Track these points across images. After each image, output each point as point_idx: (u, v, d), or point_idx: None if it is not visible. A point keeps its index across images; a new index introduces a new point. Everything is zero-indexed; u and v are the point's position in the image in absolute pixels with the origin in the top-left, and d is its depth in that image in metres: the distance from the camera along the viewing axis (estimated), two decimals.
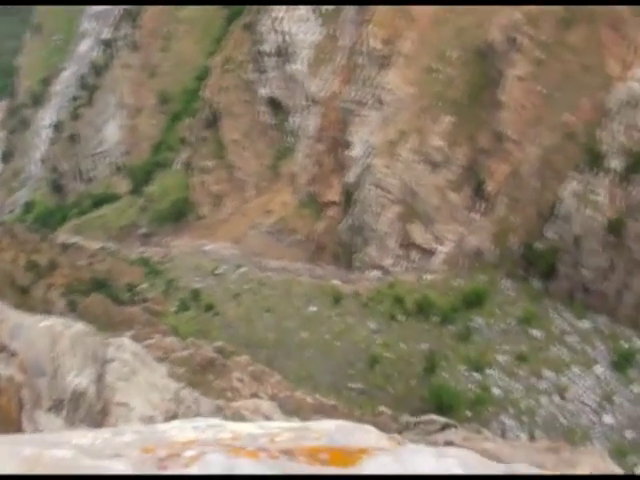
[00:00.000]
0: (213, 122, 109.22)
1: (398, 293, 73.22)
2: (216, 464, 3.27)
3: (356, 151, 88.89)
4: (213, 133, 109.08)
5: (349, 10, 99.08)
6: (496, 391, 59.67)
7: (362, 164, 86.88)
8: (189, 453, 3.41)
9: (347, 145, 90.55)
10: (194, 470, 3.25)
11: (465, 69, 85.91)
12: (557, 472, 4.01)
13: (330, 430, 3.91)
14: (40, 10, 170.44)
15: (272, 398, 31.56)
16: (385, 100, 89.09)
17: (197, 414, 14.64)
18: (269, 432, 3.93)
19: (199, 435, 3.82)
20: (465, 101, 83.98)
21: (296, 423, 4.16)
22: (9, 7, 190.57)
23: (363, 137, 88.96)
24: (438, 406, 52.38)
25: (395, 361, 63.95)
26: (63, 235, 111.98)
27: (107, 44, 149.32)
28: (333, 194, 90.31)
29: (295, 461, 3.40)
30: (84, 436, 3.83)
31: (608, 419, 56.36)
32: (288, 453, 3.47)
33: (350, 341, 67.67)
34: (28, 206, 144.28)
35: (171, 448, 3.51)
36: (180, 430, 3.97)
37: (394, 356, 64.67)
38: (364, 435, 3.97)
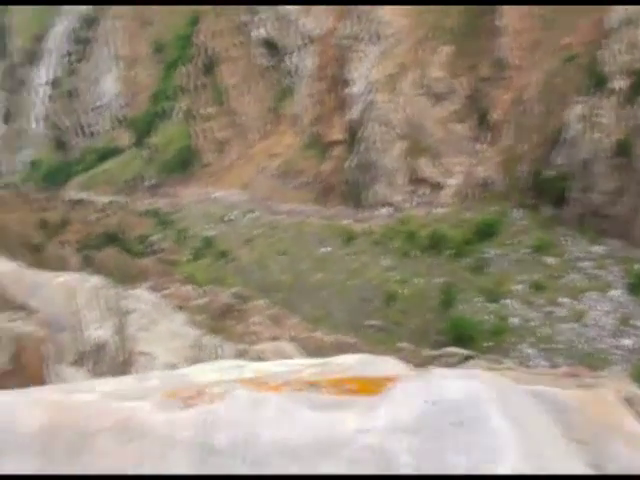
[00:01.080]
0: (210, 68, 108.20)
1: (410, 229, 73.24)
2: (241, 399, 3.31)
3: (357, 88, 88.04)
4: (211, 79, 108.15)
5: None
6: (514, 320, 59.93)
7: (364, 100, 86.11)
8: (214, 390, 3.45)
9: (347, 82, 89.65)
10: (219, 406, 3.29)
11: None
12: (578, 393, 4.02)
13: (353, 363, 3.94)
14: None
15: (292, 340, 31.88)
16: (381, 34, 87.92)
17: (220, 359, 14.82)
18: (292, 369, 3.96)
19: (223, 376, 3.87)
20: (463, 29, 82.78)
21: (318, 359, 4.20)
22: None
23: (363, 73, 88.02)
24: (457, 339, 52.72)
25: (411, 296, 64.26)
26: (70, 192, 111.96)
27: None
28: (337, 133, 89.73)
29: (320, 392, 3.43)
30: (107, 383, 3.88)
31: (627, 342, 56.62)
32: (313, 385, 3.49)
33: (365, 279, 67.96)
34: (33, 165, 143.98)
35: (196, 388, 3.55)
36: (203, 372, 4.02)
37: (410, 291, 64.96)
38: (387, 366, 4.00)
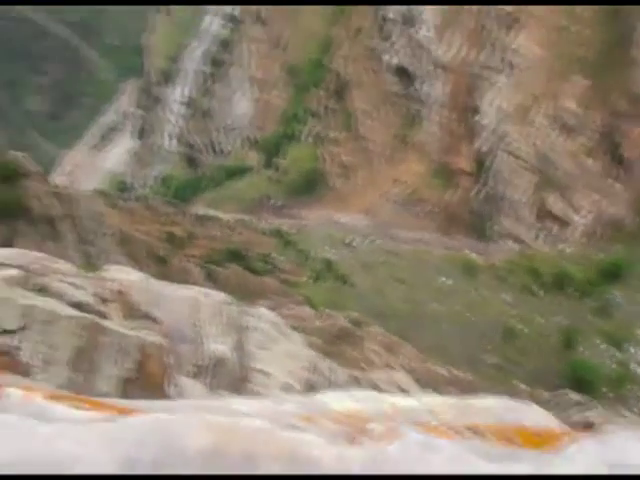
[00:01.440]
0: (340, 92, 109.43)
1: (534, 265, 71.44)
2: (411, 441, 3.20)
3: (487, 117, 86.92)
4: (341, 104, 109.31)
5: None
6: (637, 368, 57.35)
7: (494, 131, 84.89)
8: (379, 427, 3.36)
9: (477, 111, 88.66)
10: (389, 446, 3.19)
11: (597, 27, 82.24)
12: None
13: (495, 407, 3.79)
14: None
15: (405, 369, 31.54)
16: (515, 63, 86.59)
17: (333, 384, 14.79)
18: (430, 408, 3.86)
19: (360, 406, 3.80)
20: (598, 61, 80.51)
21: (453, 398, 4.07)
22: None
23: (494, 102, 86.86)
24: (575, 382, 50.87)
25: (531, 335, 62.54)
26: (198, 207, 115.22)
27: (233, 19, 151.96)
28: (464, 162, 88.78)
29: (486, 441, 3.29)
30: (245, 403, 3.85)
31: None
32: (477, 432, 3.37)
33: (484, 313, 66.63)
34: (164, 180, 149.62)
35: (352, 420, 3.50)
36: (340, 401, 3.95)
37: (530, 330, 63.24)
38: (532, 414, 3.83)
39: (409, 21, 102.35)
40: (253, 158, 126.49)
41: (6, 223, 44.92)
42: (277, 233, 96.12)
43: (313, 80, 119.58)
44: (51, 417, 3.29)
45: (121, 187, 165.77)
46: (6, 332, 5.85)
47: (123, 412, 3.53)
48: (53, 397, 3.53)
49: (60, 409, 3.40)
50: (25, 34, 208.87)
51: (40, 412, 3.31)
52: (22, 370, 5.77)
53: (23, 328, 6.02)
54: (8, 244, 39.94)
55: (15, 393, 3.46)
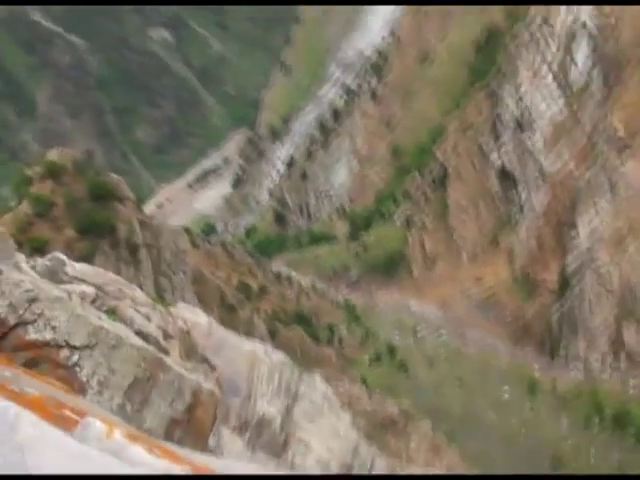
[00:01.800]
0: (440, 181, 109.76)
1: (597, 397, 69.24)
2: None
3: (582, 236, 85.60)
4: (438, 192, 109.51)
5: (595, 90, 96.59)
6: None
7: (586, 251, 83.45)
8: None
9: (573, 228, 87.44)
10: None
11: None
12: None
13: None
14: (290, 51, 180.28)
15: (446, 471, 30.70)
16: (620, 189, 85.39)
17: (370, 470, 14.54)
18: None
19: None
20: None
21: None
22: (264, 42, 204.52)
23: (592, 223, 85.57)
24: None
25: (581, 468, 60.24)
26: (277, 265, 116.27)
27: (349, 92, 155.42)
28: (549, 276, 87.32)
29: None
30: None
31: None
32: None
33: (537, 434, 64.66)
34: (250, 231, 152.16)
35: None
36: None
37: (579, 463, 60.97)
38: None
39: (522, 126, 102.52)
40: (340, 228, 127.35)
41: (90, 239, 46.32)
42: (348, 306, 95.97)
43: (416, 164, 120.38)
44: (128, 458, 3.32)
45: (207, 229, 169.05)
46: (70, 347, 6.02)
47: (197, 469, 3.55)
48: (131, 437, 3.55)
49: (137, 451, 3.42)
50: (149, 68, 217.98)
51: (118, 450, 3.34)
52: (77, 387, 5.91)
53: (88, 347, 6.18)
54: (88, 260, 41.15)
55: (96, 425, 3.49)
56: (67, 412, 3.72)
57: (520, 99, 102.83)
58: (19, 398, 3.63)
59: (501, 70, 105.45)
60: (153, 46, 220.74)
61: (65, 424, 3.54)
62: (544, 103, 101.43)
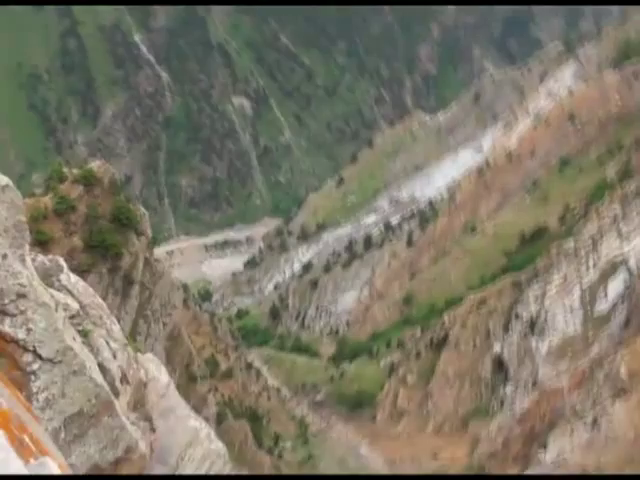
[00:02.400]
0: (437, 345, 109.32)
1: None
2: None
3: (547, 458, 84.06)
4: (431, 355, 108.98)
5: (614, 327, 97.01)
6: None
7: (548, 471, 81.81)
8: None
9: (542, 447, 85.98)
10: None
11: None
12: None
13: None
14: (351, 168, 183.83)
15: None
16: (601, 426, 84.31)
17: None
18: None
19: None
20: None
21: None
22: (331, 150, 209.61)
23: (561, 451, 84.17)
24: None
25: None
26: (253, 355, 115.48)
27: (388, 227, 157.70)
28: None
29: None
30: None
31: None
32: None
33: None
34: (242, 313, 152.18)
35: None
36: None
37: None
38: None
39: (533, 327, 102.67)
40: (326, 347, 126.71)
41: (92, 255, 46.36)
42: (301, 424, 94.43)
43: (421, 318, 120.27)
44: None
45: (204, 294, 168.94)
46: (36, 354, 5.97)
47: None
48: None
49: None
50: (217, 127, 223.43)
51: None
52: (25, 395, 5.82)
53: (51, 361, 6.12)
54: (82, 274, 41.10)
55: (51, 468, 3.44)
56: (26, 438, 3.71)
57: (542, 303, 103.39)
58: None
59: (535, 268, 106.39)
60: (230, 109, 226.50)
61: (23, 451, 3.52)
62: (563, 316, 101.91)
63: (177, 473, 10.82)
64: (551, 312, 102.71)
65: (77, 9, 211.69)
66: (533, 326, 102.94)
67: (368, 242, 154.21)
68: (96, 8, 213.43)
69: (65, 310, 8.50)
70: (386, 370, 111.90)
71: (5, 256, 5.77)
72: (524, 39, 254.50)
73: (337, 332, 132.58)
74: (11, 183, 6.04)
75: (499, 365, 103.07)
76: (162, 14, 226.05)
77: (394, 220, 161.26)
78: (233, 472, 14.93)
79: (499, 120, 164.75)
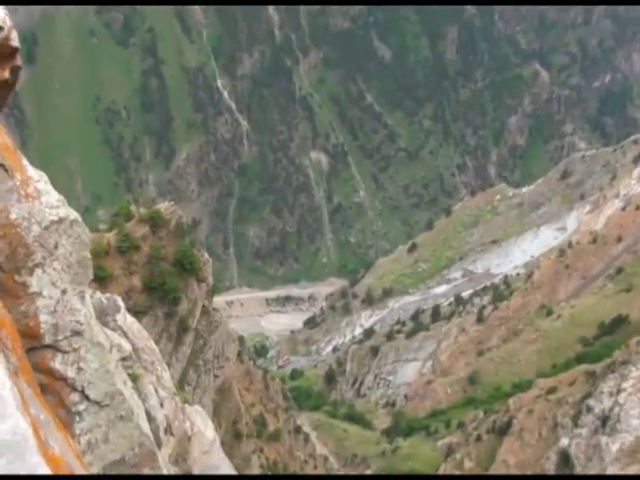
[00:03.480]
0: (500, 431, 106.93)
1: None
2: None
3: None
4: (492, 439, 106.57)
5: None
6: None
7: None
8: None
9: None
10: None
11: None
12: None
13: None
14: (426, 235, 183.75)
15: None
16: None
17: None
18: None
19: None
20: None
21: None
22: (406, 214, 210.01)
23: None
24: None
25: None
26: (303, 419, 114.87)
27: (459, 300, 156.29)
28: None
29: None
30: None
31: None
32: None
33: None
34: (296, 374, 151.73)
35: None
36: None
37: None
38: None
39: (604, 425, 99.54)
40: (381, 421, 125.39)
41: (150, 298, 46.98)
42: None
43: (484, 401, 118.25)
44: None
45: (260, 349, 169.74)
46: (83, 394, 6.04)
47: None
48: None
49: None
50: (292, 180, 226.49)
51: None
52: (69, 434, 5.88)
53: (99, 404, 6.19)
54: (138, 315, 41.68)
55: None
56: None
57: (616, 398, 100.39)
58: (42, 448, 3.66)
59: (612, 361, 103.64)
60: (307, 163, 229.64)
61: None
62: (638, 416, 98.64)
63: None
64: (625, 410, 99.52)
65: (162, 48, 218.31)
66: (605, 422, 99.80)
67: (436, 313, 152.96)
68: (181, 48, 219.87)
69: (118, 352, 8.62)
70: (443, 451, 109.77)
71: (65, 291, 5.89)
72: (620, 118, 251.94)
73: (394, 404, 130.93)
74: (80, 218, 6.20)
75: (565, 460, 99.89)
76: (248, 61, 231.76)
77: (466, 293, 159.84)
78: None
79: (586, 200, 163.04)
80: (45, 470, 3.29)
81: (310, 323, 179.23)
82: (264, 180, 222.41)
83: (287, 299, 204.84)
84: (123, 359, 8.95)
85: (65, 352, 5.88)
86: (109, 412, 6.32)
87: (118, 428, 6.38)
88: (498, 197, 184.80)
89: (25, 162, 5.89)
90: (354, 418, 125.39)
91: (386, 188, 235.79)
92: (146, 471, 6.72)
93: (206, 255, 54.34)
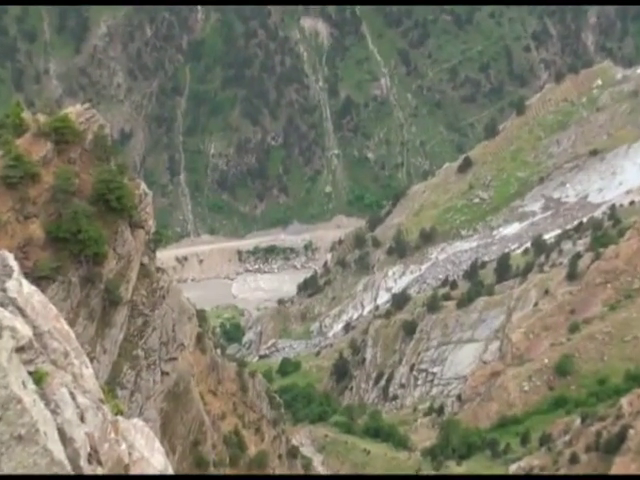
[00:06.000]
0: (609, 446, 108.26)
1: None
2: None
3: None
4: (600, 458, 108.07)
5: None
6: None
7: None
8: None
9: None
10: None
11: None
12: None
13: None
14: (482, 144, 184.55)
15: None
16: None
17: None
18: None
19: None
20: None
21: None
22: None
23: None
24: None
25: None
26: (302, 434, 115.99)
27: (540, 245, 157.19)
28: None
29: None
30: None
31: None
32: None
33: None
34: (288, 365, 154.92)
35: None
36: None
37: None
38: None
39: None
40: (422, 438, 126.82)
41: (58, 255, 46.54)
42: None
43: (583, 405, 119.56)
44: None
45: (231, 330, 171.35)
46: None
47: None
48: None
49: None
50: (279, 73, 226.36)
51: None
52: None
53: None
54: (41, 283, 41.19)
55: None
56: None
57: None
58: None
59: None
60: (295, 36, 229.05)
61: None
62: None
63: None
64: None
65: None
66: None
67: (504, 268, 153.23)
68: None
69: (12, 338, 8.53)
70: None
71: None
72: None
73: (441, 410, 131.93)
74: None
75: None
76: None
77: (549, 235, 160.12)
78: None
79: None
80: None
81: (308, 288, 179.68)
82: (230, 65, 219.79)
83: (270, 251, 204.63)
84: (20, 349, 8.87)
85: None
86: (2, 428, 6.28)
87: (15, 452, 6.33)
88: (599, 82, 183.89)
89: None
90: (380, 432, 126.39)
91: (421, 72, 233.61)
92: None
93: (143, 186, 54.18)
